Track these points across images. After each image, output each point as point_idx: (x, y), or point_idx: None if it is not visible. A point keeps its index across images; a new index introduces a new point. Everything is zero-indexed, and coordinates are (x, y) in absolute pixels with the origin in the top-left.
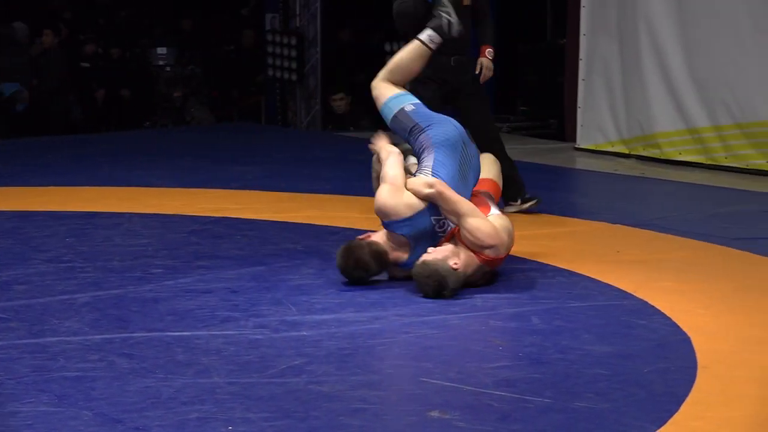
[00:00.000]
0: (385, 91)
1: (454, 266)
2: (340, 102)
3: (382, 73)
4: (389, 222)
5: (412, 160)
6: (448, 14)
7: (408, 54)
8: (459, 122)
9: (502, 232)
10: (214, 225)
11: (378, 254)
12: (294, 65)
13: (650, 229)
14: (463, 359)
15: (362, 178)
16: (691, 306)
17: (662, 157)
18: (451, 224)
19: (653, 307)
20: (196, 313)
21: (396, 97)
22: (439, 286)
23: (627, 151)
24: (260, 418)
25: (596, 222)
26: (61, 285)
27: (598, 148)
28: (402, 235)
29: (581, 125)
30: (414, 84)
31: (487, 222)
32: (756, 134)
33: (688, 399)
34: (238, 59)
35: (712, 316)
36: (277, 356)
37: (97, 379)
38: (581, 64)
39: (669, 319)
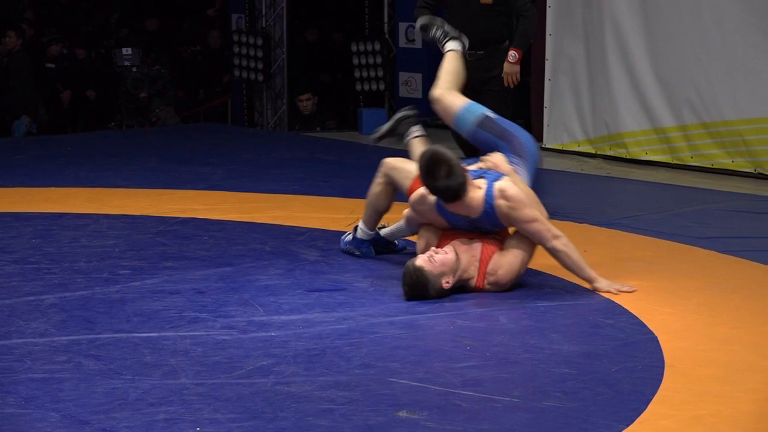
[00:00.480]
0: (454, 99)
1: (445, 285)
2: (306, 102)
3: (441, 84)
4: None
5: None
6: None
7: (453, 62)
8: None
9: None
10: (180, 226)
11: (463, 174)
12: (260, 66)
13: (617, 229)
14: (430, 359)
15: (329, 178)
16: (657, 305)
17: (628, 157)
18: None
19: (620, 306)
20: (163, 314)
21: (470, 105)
22: (418, 297)
23: (593, 151)
24: (228, 419)
25: (563, 221)
26: (28, 286)
27: (564, 148)
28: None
29: (547, 125)
30: None
31: (522, 267)
32: (721, 134)
33: (656, 398)
34: (204, 60)
35: (678, 315)
36: (245, 357)
37: (63, 381)
38: (547, 64)
39: (636, 318)
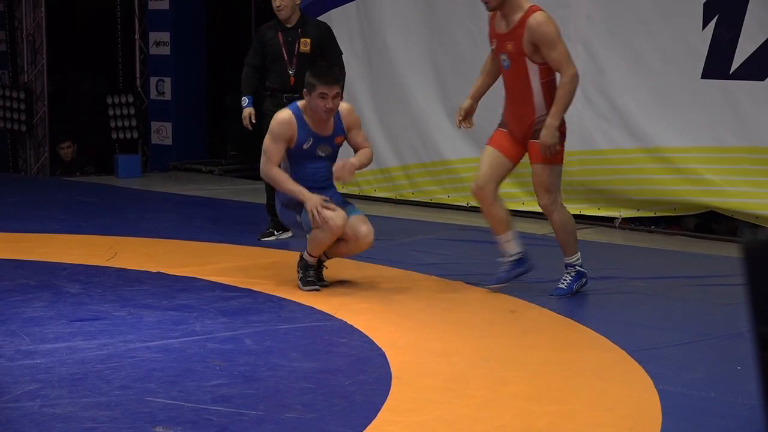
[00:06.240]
0: None
1: None
2: (67, 150)
3: None
4: None
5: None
6: None
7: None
8: None
9: None
10: None
11: None
12: (23, 117)
13: (348, 258)
14: (184, 379)
15: (89, 218)
16: (384, 324)
17: (361, 194)
18: None
19: (352, 326)
20: None
21: None
22: None
23: None
24: None
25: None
26: None
27: None
28: None
29: None
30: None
31: None
32: (438, 172)
33: (384, 406)
34: None
35: (402, 333)
36: (13, 383)
37: None
38: None
39: (366, 336)
